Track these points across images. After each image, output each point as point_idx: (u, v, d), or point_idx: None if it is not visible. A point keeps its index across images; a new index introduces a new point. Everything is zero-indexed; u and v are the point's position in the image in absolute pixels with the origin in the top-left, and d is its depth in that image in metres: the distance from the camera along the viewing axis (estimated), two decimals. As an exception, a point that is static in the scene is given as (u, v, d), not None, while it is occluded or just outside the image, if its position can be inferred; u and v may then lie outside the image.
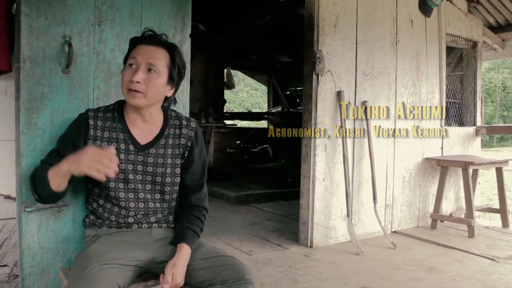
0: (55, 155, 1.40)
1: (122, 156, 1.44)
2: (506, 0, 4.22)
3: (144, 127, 1.48)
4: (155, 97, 1.42)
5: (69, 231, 1.66)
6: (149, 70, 1.38)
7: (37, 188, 1.35)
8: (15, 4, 1.64)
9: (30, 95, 1.57)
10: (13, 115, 1.70)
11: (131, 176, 1.45)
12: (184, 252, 1.42)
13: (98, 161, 1.22)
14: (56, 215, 1.63)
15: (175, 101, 1.58)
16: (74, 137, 1.43)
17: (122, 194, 1.45)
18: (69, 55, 1.61)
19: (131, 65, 1.39)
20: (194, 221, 1.51)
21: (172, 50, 1.44)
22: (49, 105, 1.61)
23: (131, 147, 1.45)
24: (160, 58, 1.40)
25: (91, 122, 1.43)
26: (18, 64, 1.56)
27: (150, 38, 1.43)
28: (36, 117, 1.58)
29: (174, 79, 1.46)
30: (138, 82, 1.35)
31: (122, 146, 1.45)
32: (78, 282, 1.23)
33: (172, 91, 1.49)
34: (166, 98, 1.49)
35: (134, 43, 1.44)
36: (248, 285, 1.36)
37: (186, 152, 1.53)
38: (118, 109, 1.48)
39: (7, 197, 1.94)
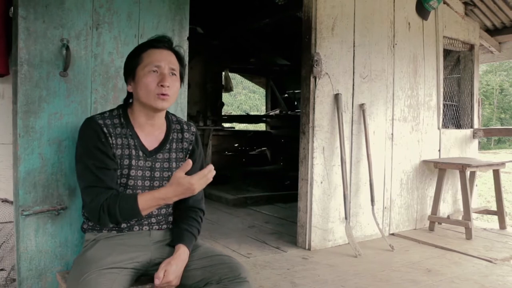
0: (103, 172, 1.36)
1: (134, 162, 1.44)
2: (503, 3, 4.24)
3: (151, 132, 1.49)
4: (175, 98, 1.48)
5: (67, 235, 1.66)
6: (171, 74, 1.44)
7: (122, 218, 1.35)
8: (12, 7, 1.64)
9: (28, 98, 1.57)
10: (10, 118, 1.71)
11: (139, 183, 1.46)
12: (181, 252, 1.42)
13: (205, 179, 1.35)
14: (54, 219, 1.63)
15: None
16: (102, 147, 1.38)
17: None
18: (67, 58, 1.62)
19: (154, 71, 1.41)
20: (191, 222, 1.52)
21: (178, 53, 1.51)
22: (47, 108, 1.61)
23: (140, 153, 1.46)
24: (176, 62, 1.47)
25: (105, 130, 1.41)
26: (16, 67, 1.56)
27: (166, 43, 1.47)
28: (33, 120, 1.58)
29: (183, 79, 1.54)
30: (168, 86, 1.40)
31: (133, 152, 1.45)
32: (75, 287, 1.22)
33: None
34: None
35: (145, 47, 1.45)
36: (243, 284, 1.36)
37: (187, 156, 1.56)
38: (124, 115, 1.47)
39: (5, 200, 1.93)
